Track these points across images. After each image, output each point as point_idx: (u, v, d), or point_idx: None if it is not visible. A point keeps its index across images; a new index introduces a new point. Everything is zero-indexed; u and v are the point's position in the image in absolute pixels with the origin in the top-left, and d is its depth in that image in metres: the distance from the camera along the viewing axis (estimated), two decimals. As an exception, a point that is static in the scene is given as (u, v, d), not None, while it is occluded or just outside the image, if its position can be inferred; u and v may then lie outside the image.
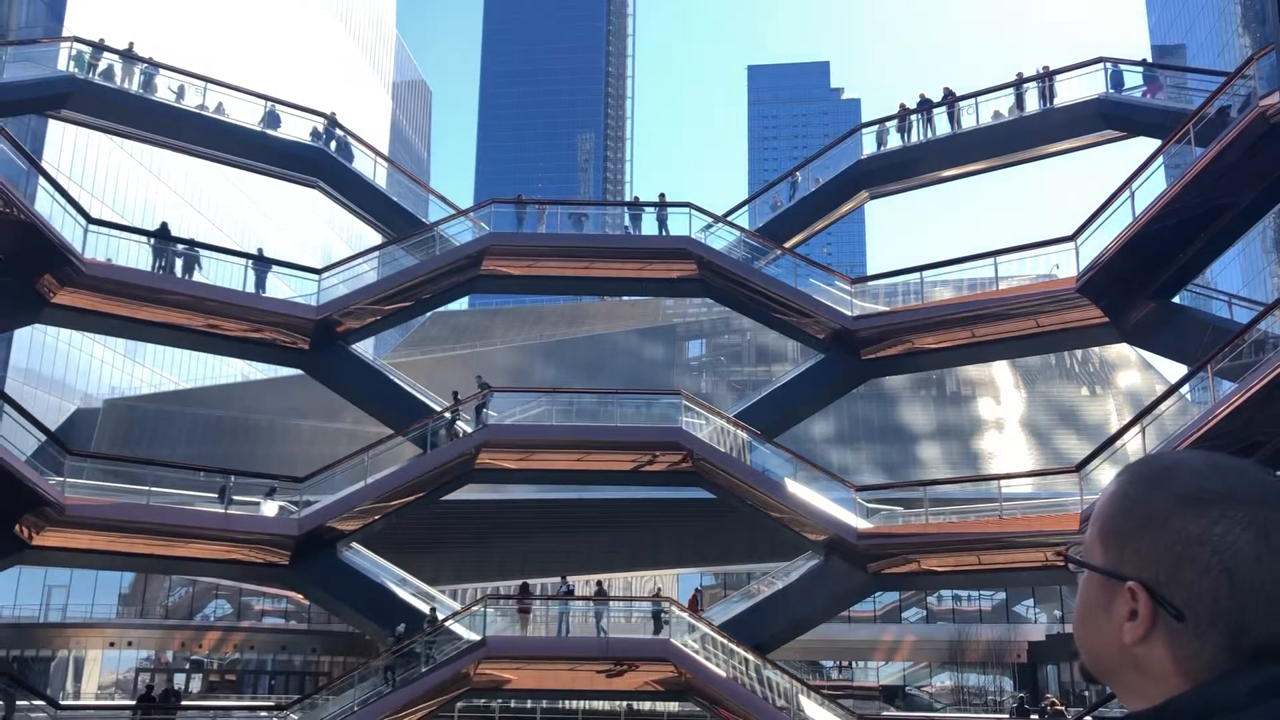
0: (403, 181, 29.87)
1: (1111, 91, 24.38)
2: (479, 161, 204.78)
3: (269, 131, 27.09)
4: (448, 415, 25.50)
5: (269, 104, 27.20)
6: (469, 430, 25.47)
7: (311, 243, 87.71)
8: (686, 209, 26.65)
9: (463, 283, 27.13)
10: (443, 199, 28.49)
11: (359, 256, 27.16)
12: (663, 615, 24.21)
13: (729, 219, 27.41)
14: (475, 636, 24.06)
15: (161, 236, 25.69)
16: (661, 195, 27.94)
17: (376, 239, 31.04)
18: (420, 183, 30.47)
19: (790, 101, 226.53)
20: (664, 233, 27.07)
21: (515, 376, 46.97)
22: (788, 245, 27.35)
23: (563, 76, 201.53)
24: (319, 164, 27.31)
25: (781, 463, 25.51)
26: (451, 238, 26.82)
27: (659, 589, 34.95)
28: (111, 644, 44.27)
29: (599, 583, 27.44)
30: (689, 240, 26.07)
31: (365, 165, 27.81)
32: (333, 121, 27.65)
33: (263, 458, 43.75)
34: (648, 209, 27.76)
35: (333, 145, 27.40)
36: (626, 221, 28.85)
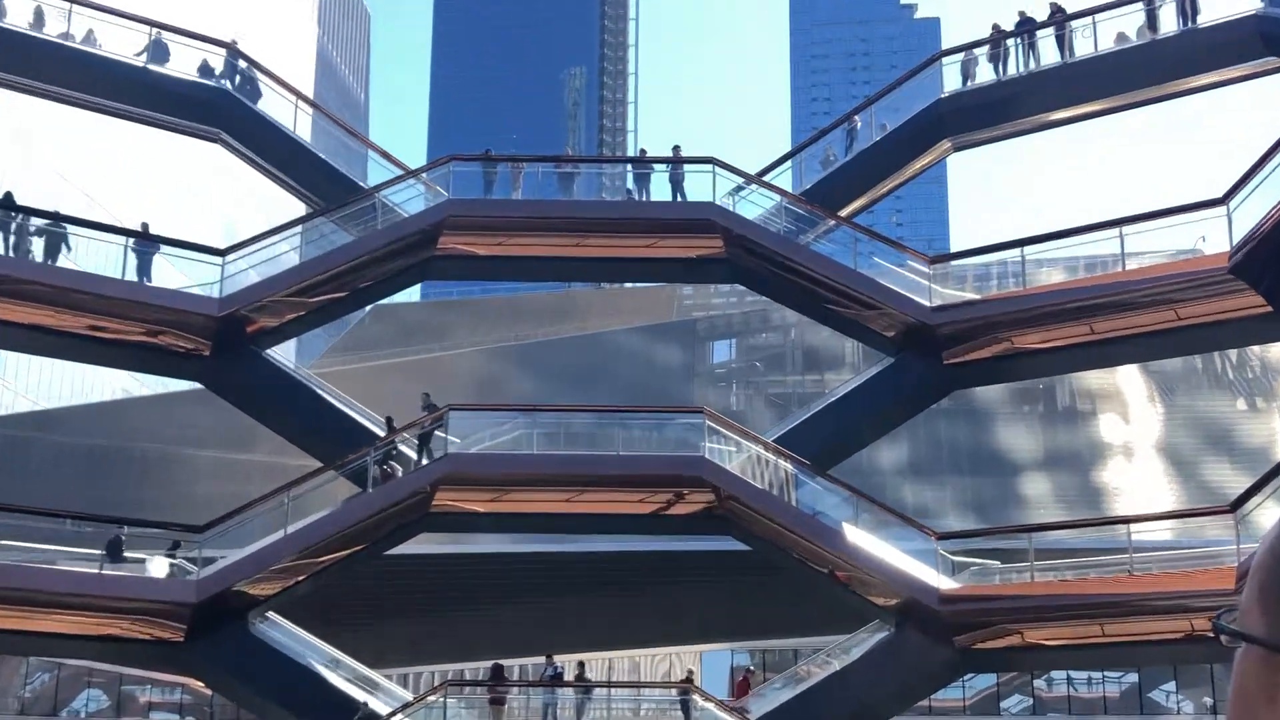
0: (333, 133, 30.00)
1: (1275, 7, 24.31)
2: (433, 107, 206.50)
3: (153, 68, 27.17)
4: (396, 444, 25.55)
5: (153, 31, 27.27)
6: (417, 462, 25.47)
7: (215, 215, 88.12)
8: (709, 166, 26.72)
9: (413, 266, 27.19)
10: (385, 155, 28.59)
11: (275, 233, 27.26)
12: (691, 706, 24.19)
13: (765, 179, 27.48)
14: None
15: (4, 207, 25.68)
16: (675, 149, 27.98)
17: (298, 209, 31.07)
18: (355, 133, 30.59)
19: (845, 23, 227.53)
20: (679, 198, 27.14)
21: (483, 389, 47.04)
22: (844, 214, 27.39)
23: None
24: (220, 109, 27.38)
25: (838, 503, 25.50)
26: (398, 207, 26.92)
27: (690, 674, 34.85)
28: (-50, 749, 44.36)
29: (582, 663, 27.45)
30: (713, 207, 26.12)
31: (282, 111, 27.91)
32: (234, 51, 27.70)
33: (150, 500, 43.82)
34: (657, 167, 27.84)
35: (237, 83, 27.50)
36: (629, 184, 28.90)
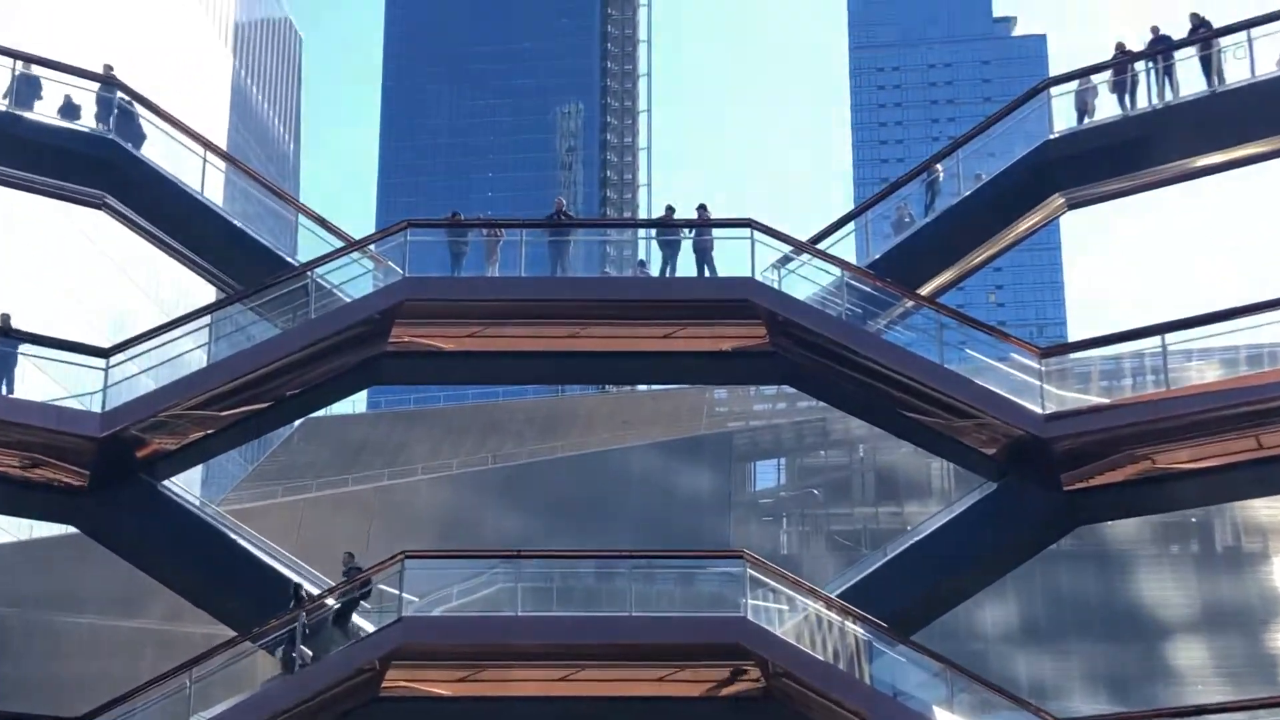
0: (253, 194, 30.19)
1: None
2: (384, 159, 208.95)
3: (18, 112, 27.47)
4: (311, 609, 25.19)
5: (16, 64, 27.58)
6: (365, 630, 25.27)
7: (98, 305, 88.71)
8: (746, 230, 26.85)
9: (358, 367, 27.24)
10: (321, 221, 28.75)
11: (175, 325, 27.32)
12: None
13: (820, 247, 27.59)
14: None
15: None
16: (701, 208, 28.11)
17: (207, 295, 31.24)
18: (282, 194, 30.81)
19: (921, 43, 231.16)
20: (707, 272, 27.26)
21: (451, 529, 46.89)
22: (926, 292, 27.46)
23: (533, 8, 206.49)
24: (103, 165, 27.56)
25: (927, 679, 25.19)
26: (338, 289, 27.01)
27: None
28: None
29: None
30: (751, 284, 26.18)
31: (186, 167, 28.14)
32: (110, 81, 27.86)
33: (10, 680, 43.53)
34: (679, 232, 27.96)
35: (119, 128, 27.59)
36: (642, 254, 28.98)
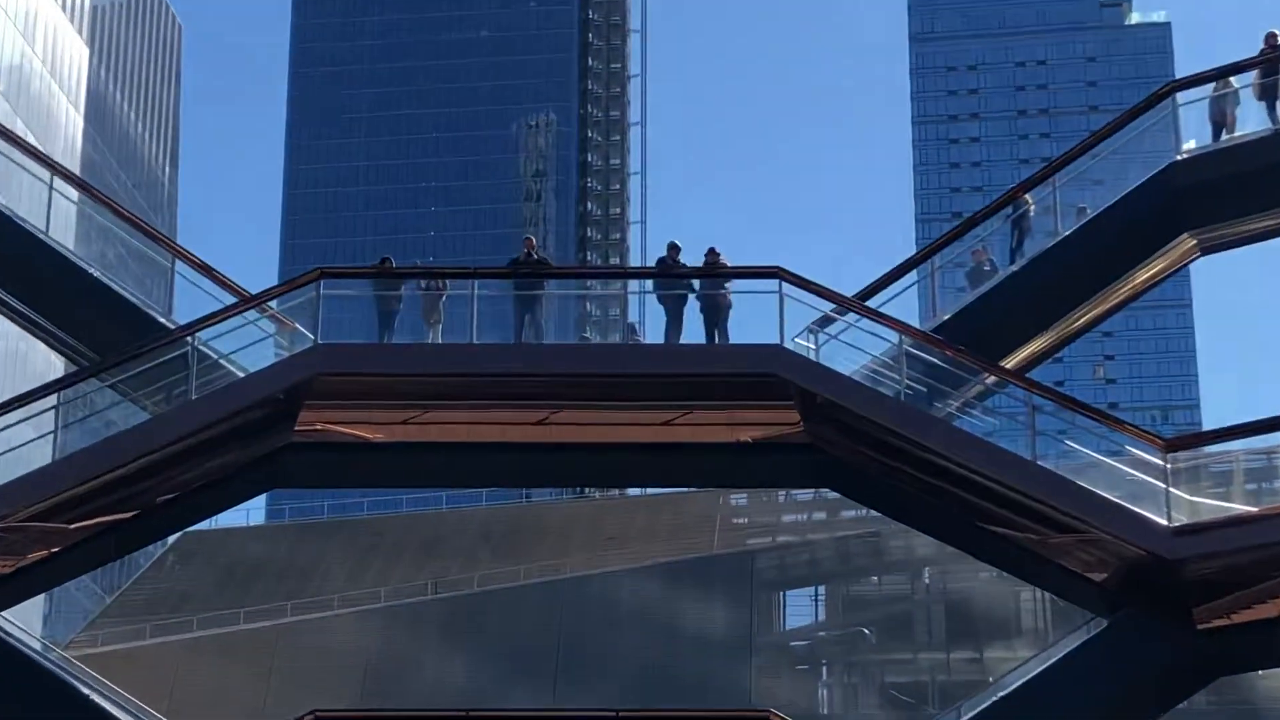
0: (115, 231, 30.20)
1: None
2: (290, 182, 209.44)
3: None
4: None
5: None
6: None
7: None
8: (774, 280, 26.87)
9: (252, 465, 27.28)
10: (205, 269, 28.77)
11: (7, 408, 27.24)
12: None
13: (870, 304, 27.64)
14: None
15: None
16: (711, 252, 28.11)
17: (55, 368, 31.24)
18: (152, 232, 30.81)
19: (1003, 34, 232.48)
20: (718, 337, 27.32)
21: (374, 680, 46.66)
22: (1011, 364, 27.50)
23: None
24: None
25: None
26: (226, 360, 27.03)
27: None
28: None
29: None
30: (781, 354, 26.19)
31: (18, 193, 28.11)
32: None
33: None
34: (684, 285, 27.97)
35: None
36: (634, 314, 28.94)
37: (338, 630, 55.26)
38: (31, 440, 26.93)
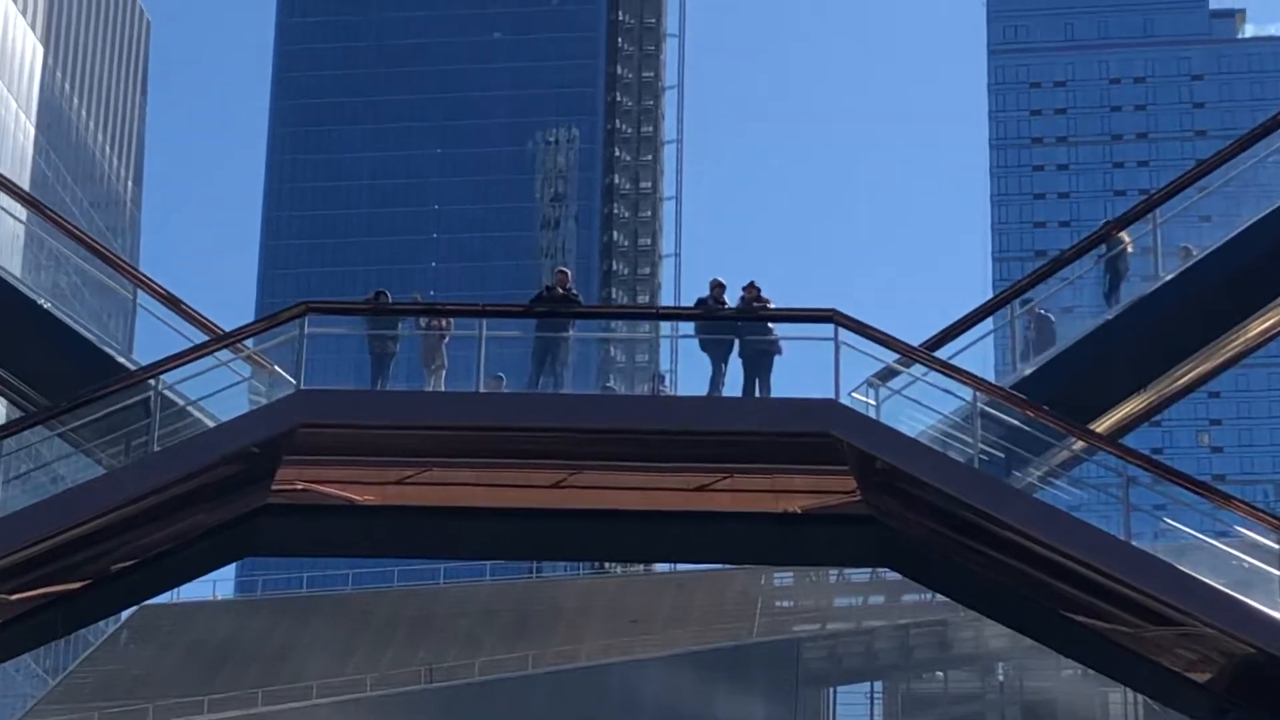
0: (69, 257, 30.29)
1: None
2: (270, 202, 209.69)
3: None
4: None
5: None
6: None
7: None
8: (828, 325, 26.91)
9: (222, 530, 27.34)
10: (172, 302, 28.83)
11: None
12: None
13: (938, 355, 27.67)
14: None
15: None
16: (750, 289, 28.16)
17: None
18: (112, 258, 30.87)
19: (1097, 45, 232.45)
20: (760, 390, 27.37)
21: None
22: (1102, 427, 27.50)
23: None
24: None
25: None
26: (194, 407, 27.10)
27: None
28: None
29: None
30: (835, 410, 26.27)
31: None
32: None
33: None
34: (726, 329, 28.00)
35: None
36: (666, 362, 28.98)
37: (320, 723, 55.35)
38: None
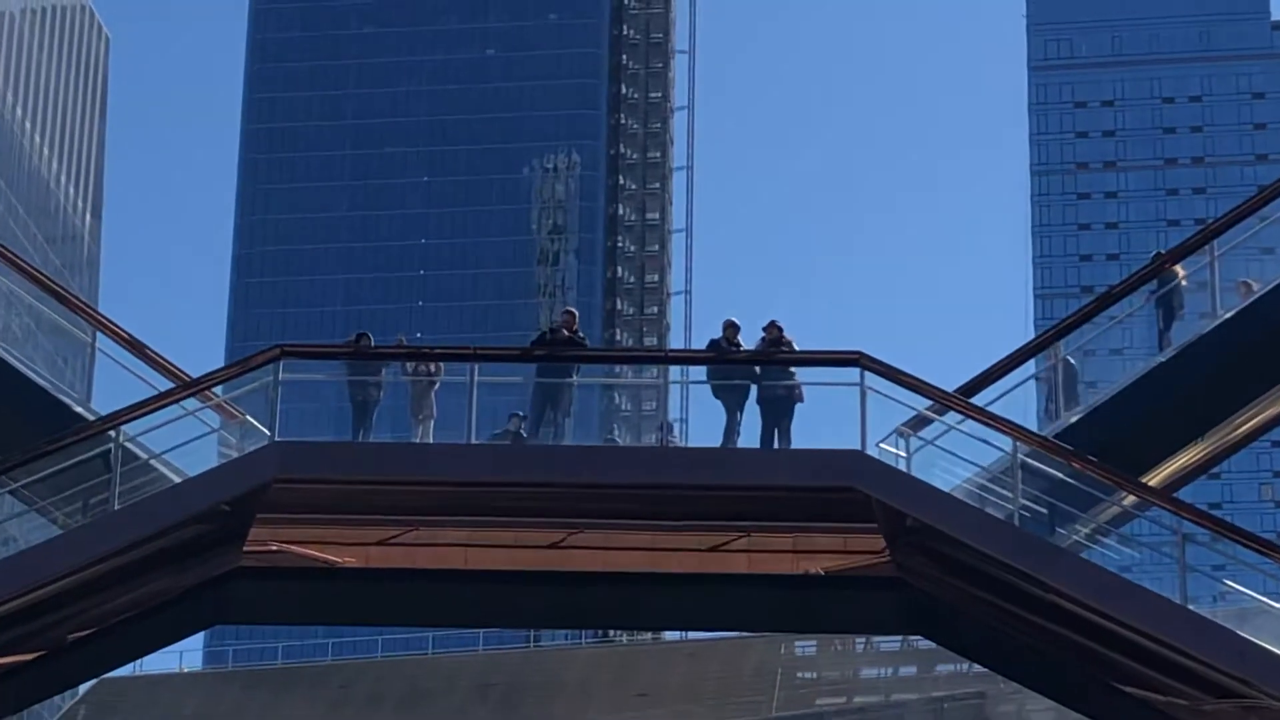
0: (21, 296, 30.41)
1: None
2: (241, 238, 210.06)
3: None
4: None
5: None
6: None
7: None
8: (854, 369, 26.96)
9: (189, 595, 27.41)
10: (135, 346, 28.91)
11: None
12: None
13: (973, 400, 27.68)
14: None
15: None
16: (771, 328, 28.22)
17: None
18: (68, 297, 30.96)
19: (1146, 61, 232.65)
20: (778, 441, 27.37)
21: None
22: (1154, 480, 27.47)
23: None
24: None
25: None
26: (159, 461, 27.13)
27: None
28: None
29: None
30: (862, 462, 26.31)
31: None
32: None
33: None
34: (741, 374, 28.03)
35: None
36: (676, 410, 29.01)
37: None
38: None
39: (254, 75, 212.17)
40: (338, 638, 78.08)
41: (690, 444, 28.29)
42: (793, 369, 28.12)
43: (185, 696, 70.52)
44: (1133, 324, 29.47)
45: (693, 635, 64.05)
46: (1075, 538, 26.53)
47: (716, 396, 28.08)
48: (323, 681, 73.12)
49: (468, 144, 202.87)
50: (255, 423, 27.21)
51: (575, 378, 28.80)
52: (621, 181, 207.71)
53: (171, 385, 27.98)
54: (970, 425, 27.38)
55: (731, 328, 28.58)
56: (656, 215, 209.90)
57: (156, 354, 28.85)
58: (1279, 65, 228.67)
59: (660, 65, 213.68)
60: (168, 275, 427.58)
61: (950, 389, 27.62)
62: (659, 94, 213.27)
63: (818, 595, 28.66)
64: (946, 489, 26.60)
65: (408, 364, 29.29)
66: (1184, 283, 28.90)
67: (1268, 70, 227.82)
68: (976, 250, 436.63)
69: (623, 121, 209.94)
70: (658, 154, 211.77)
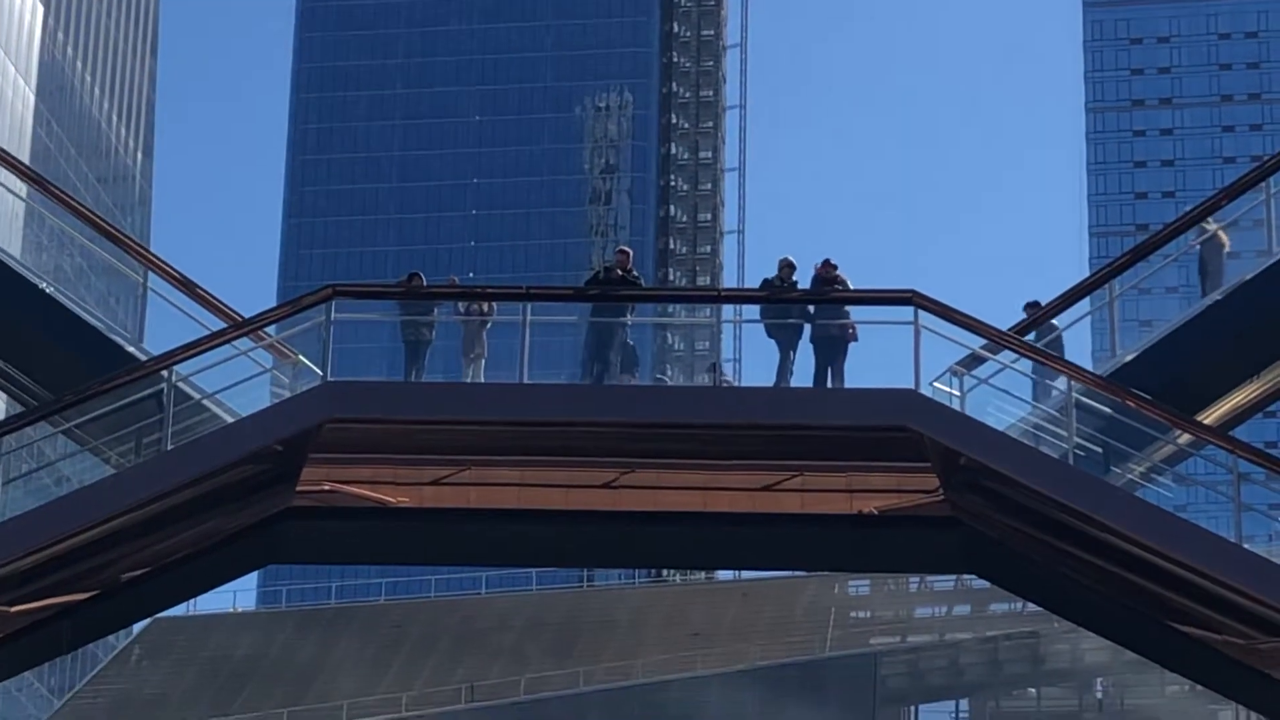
0: (72, 236, 30.37)
1: None
2: (293, 178, 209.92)
3: None
4: None
5: None
6: None
7: None
8: (908, 308, 26.87)
9: (241, 535, 27.49)
10: (186, 285, 28.91)
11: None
12: None
13: (1028, 339, 27.59)
14: None
15: None
16: (825, 266, 28.15)
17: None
18: (120, 237, 30.98)
19: (1201, 36, 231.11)
20: (833, 379, 27.41)
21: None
22: (1209, 418, 27.40)
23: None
24: None
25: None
26: (211, 401, 27.18)
27: None
28: None
29: None
30: (915, 402, 26.25)
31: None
32: None
33: None
34: (796, 313, 27.98)
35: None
36: (729, 349, 28.98)
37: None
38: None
39: (306, 14, 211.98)
40: (390, 578, 78.02)
41: (743, 383, 28.26)
42: (846, 308, 28.07)
43: (238, 636, 70.67)
44: (1188, 261, 29.32)
45: (746, 575, 64.04)
46: (1130, 476, 26.46)
47: (770, 336, 28.02)
48: (375, 622, 73.21)
49: (520, 83, 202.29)
50: (308, 362, 27.21)
51: (629, 317, 28.72)
52: (674, 120, 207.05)
53: (223, 325, 27.97)
54: (1024, 364, 27.33)
55: (788, 266, 28.51)
56: (709, 154, 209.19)
57: (208, 294, 28.82)
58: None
59: (713, 2, 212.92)
60: (219, 215, 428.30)
61: (1005, 328, 27.55)
62: (711, 32, 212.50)
63: (871, 535, 28.59)
64: (1001, 428, 26.55)
65: (460, 303, 29.23)
66: (1226, 246, 28.75)
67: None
68: (1031, 188, 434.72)
69: (675, 60, 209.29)
70: (710, 92, 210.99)
